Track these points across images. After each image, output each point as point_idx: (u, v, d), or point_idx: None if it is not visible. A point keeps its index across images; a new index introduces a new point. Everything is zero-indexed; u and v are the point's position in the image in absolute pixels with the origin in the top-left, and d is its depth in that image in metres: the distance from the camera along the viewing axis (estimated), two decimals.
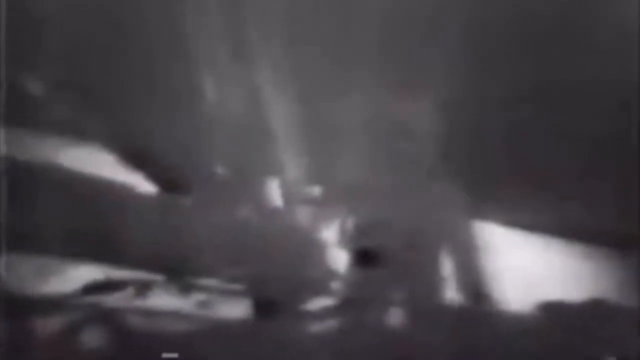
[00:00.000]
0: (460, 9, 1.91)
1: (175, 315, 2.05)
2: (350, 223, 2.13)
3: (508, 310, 2.03)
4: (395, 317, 2.03)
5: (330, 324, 2.05)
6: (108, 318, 2.04)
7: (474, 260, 2.07)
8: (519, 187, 2.05)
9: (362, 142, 2.10)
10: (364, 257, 2.09)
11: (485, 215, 2.09)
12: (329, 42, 1.99)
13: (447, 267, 2.06)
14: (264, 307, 2.05)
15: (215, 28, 2.02)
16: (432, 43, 1.93)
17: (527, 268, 2.07)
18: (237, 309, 2.06)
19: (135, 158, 2.10)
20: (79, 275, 2.07)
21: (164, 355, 1.95)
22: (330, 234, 2.13)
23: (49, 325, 2.02)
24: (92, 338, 2.02)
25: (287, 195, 2.14)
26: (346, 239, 2.11)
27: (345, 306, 2.06)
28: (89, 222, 2.07)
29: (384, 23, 1.96)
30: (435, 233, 2.06)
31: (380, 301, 2.05)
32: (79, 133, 2.08)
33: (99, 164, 2.09)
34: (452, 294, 2.05)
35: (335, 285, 2.08)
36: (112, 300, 2.06)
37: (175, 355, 1.96)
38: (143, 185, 2.11)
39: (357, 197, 2.11)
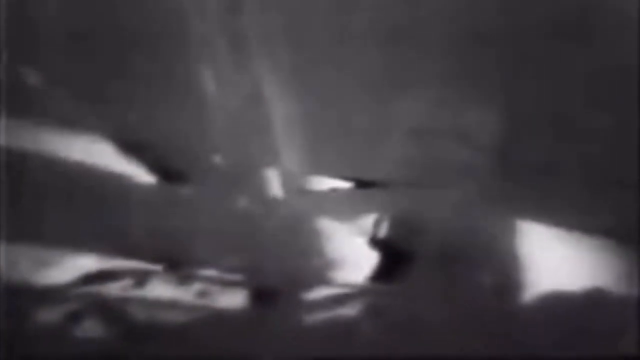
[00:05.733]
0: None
1: (174, 305, 2.05)
2: (373, 219, 2.12)
3: (515, 299, 2.03)
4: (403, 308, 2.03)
5: (334, 313, 2.05)
6: (107, 308, 2.04)
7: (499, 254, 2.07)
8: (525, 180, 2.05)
9: (365, 136, 2.10)
10: (392, 256, 2.09)
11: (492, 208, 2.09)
12: (329, 31, 1.98)
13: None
14: (263, 297, 2.05)
15: (215, 19, 2.02)
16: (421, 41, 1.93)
17: (530, 258, 2.06)
18: (236, 299, 2.05)
19: (135, 148, 2.10)
20: (78, 265, 2.07)
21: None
22: (332, 225, 2.14)
23: (48, 315, 2.03)
24: (91, 328, 2.02)
25: (287, 186, 2.14)
26: (372, 236, 2.11)
27: (358, 295, 2.07)
28: (88, 212, 2.08)
29: (383, 17, 1.96)
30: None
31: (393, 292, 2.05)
32: (79, 124, 2.09)
33: (99, 154, 2.10)
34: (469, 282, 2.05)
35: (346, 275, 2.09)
36: (111, 290, 2.06)
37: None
38: (142, 175, 2.12)
39: (377, 193, 2.12)
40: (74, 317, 2.03)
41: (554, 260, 2.04)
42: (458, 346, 1.93)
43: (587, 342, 1.89)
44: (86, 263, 2.07)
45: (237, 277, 2.07)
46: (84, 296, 2.05)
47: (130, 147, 2.10)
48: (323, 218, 2.13)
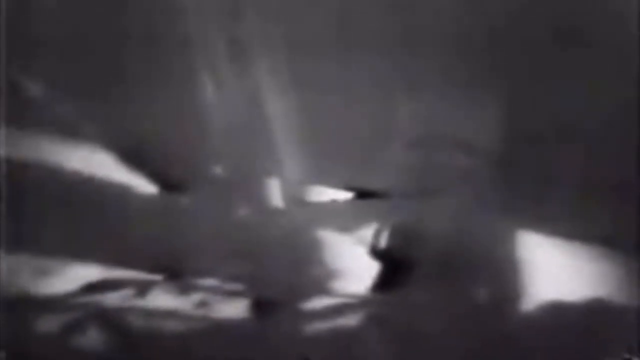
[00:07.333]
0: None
1: (174, 315, 2.05)
2: (373, 229, 2.12)
3: (515, 309, 2.02)
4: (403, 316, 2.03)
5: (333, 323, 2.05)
6: (107, 318, 2.04)
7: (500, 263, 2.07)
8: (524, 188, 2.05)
9: (365, 146, 2.10)
10: (393, 266, 2.08)
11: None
12: (330, 38, 1.99)
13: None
14: (263, 307, 2.05)
15: (214, 27, 2.03)
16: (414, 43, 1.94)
17: (530, 267, 2.06)
18: (235, 309, 2.05)
19: (135, 158, 2.11)
20: (78, 275, 2.07)
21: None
22: (333, 235, 2.13)
23: (48, 324, 2.03)
24: (91, 337, 2.02)
25: (287, 196, 2.14)
26: (372, 246, 2.11)
27: (358, 306, 2.06)
28: (88, 222, 2.07)
29: (383, 24, 1.97)
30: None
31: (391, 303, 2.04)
32: (78, 133, 2.09)
33: (99, 163, 2.10)
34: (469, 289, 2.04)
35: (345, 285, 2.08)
36: (111, 300, 2.06)
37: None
38: (142, 185, 2.12)
39: (378, 202, 2.11)
40: (74, 327, 2.03)
41: (554, 270, 2.03)
42: (458, 355, 1.92)
43: (587, 352, 1.88)
44: (86, 273, 2.07)
45: (237, 287, 2.07)
46: (84, 306, 2.05)
47: (131, 157, 2.10)
48: (323, 228, 2.13)
